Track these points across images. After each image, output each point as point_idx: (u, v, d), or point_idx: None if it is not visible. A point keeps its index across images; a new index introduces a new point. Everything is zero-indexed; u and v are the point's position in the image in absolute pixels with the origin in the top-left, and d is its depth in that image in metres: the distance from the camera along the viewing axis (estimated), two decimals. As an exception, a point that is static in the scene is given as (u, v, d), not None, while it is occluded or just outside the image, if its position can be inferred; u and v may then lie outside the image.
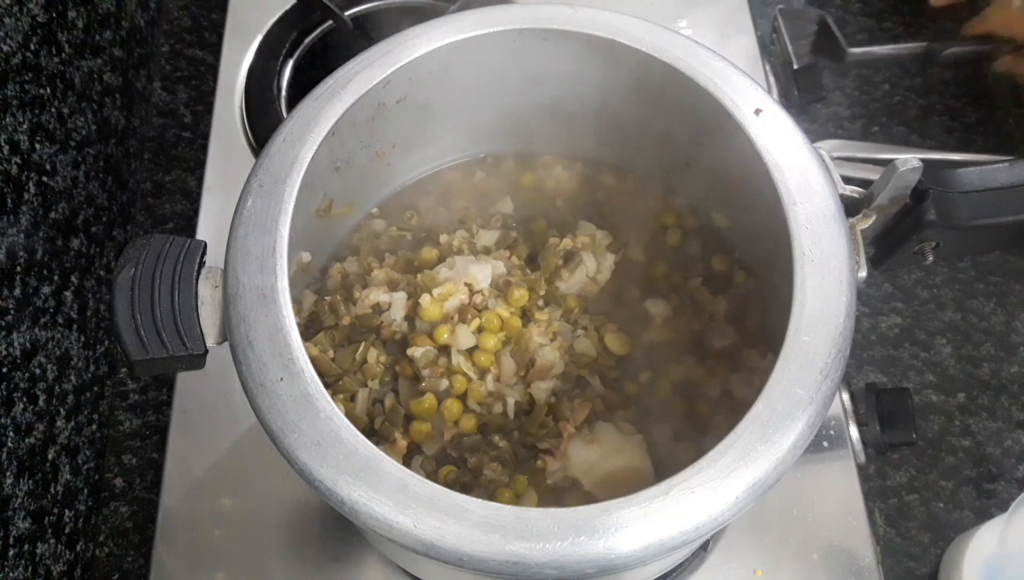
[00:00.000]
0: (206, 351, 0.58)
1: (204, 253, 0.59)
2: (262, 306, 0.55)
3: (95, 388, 0.87)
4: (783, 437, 0.51)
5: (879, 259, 0.64)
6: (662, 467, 0.65)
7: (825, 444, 0.81)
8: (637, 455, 0.64)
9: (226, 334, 0.57)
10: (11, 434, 0.73)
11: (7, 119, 0.76)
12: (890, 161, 0.59)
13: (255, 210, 0.59)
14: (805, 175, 0.60)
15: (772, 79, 1.01)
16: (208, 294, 0.58)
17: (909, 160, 0.58)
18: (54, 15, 0.86)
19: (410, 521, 0.50)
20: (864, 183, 0.63)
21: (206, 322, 0.57)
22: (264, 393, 0.53)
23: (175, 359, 0.57)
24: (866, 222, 0.61)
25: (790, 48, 1.00)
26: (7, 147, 0.75)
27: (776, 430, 0.51)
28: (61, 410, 0.80)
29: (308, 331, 0.70)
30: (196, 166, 0.98)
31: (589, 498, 0.62)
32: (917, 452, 0.87)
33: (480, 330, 0.68)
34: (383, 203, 0.76)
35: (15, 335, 0.74)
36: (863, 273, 0.60)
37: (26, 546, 0.74)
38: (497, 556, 0.49)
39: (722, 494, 0.50)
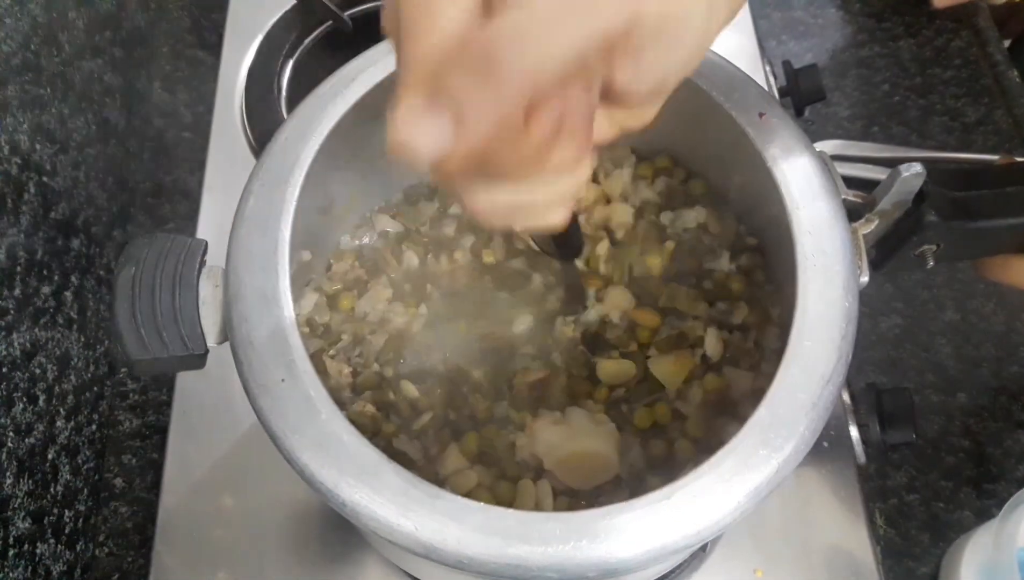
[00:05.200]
0: (207, 351, 0.57)
1: (205, 252, 0.59)
2: (263, 306, 0.55)
3: (95, 388, 0.87)
4: (785, 442, 0.51)
5: (880, 262, 0.64)
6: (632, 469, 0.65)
7: (825, 444, 0.81)
8: (603, 443, 0.64)
9: (227, 334, 0.56)
10: (11, 434, 0.73)
11: (8, 119, 0.76)
12: (891, 160, 0.59)
13: (257, 210, 0.59)
14: (808, 180, 0.59)
15: (772, 79, 1.00)
16: (209, 294, 0.58)
17: (913, 166, 0.58)
18: (54, 15, 0.85)
19: (411, 524, 0.50)
20: (865, 183, 0.62)
21: (207, 322, 0.57)
22: (265, 394, 0.53)
23: (176, 359, 0.57)
24: (868, 227, 0.61)
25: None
26: (7, 147, 0.75)
27: (778, 435, 0.51)
28: (61, 410, 0.81)
29: (310, 331, 0.69)
30: (196, 166, 0.98)
31: (550, 477, 0.63)
32: (917, 452, 0.87)
33: None
34: (385, 202, 0.76)
35: (15, 335, 0.74)
36: (865, 278, 0.59)
37: (26, 546, 0.74)
38: (498, 559, 0.49)
39: (723, 499, 0.50)
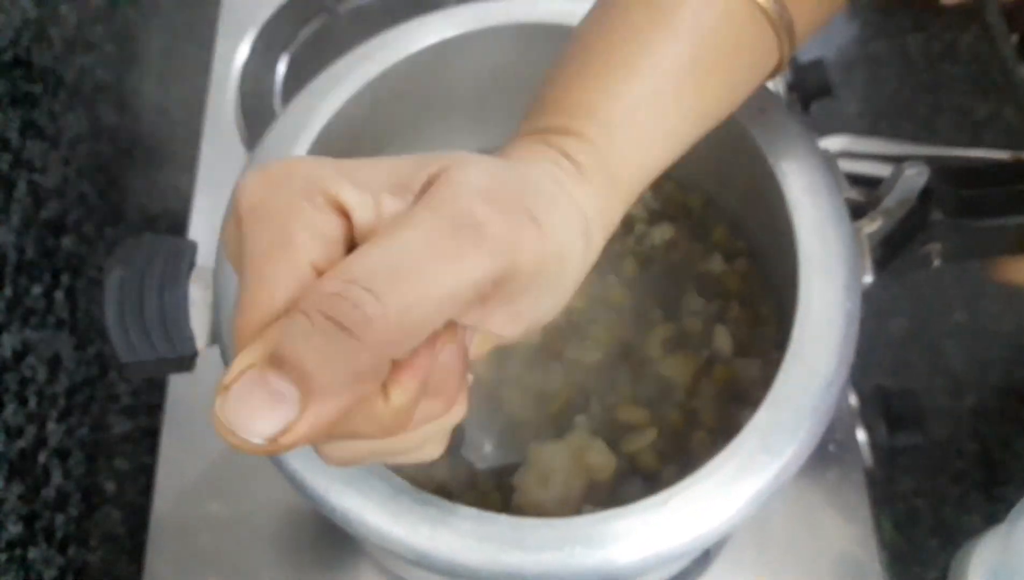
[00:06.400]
0: (196, 353, 0.56)
1: (195, 253, 0.58)
2: (253, 309, 0.54)
3: (86, 390, 0.86)
4: (785, 446, 0.50)
5: (884, 261, 0.63)
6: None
7: (831, 448, 0.80)
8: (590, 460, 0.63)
9: (217, 337, 0.56)
10: (2, 436, 0.72)
11: (-2, 116, 0.75)
12: (899, 157, 0.58)
13: (247, 208, 0.58)
14: (811, 178, 0.58)
15: (777, 75, 1.00)
16: (199, 295, 0.57)
17: (915, 164, 0.57)
18: (46, 10, 0.85)
19: (403, 530, 0.49)
20: (872, 180, 0.61)
21: (196, 324, 0.56)
22: (255, 399, 0.52)
23: (164, 361, 0.56)
24: (872, 226, 0.60)
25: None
26: (-2, 144, 0.75)
27: (778, 439, 0.50)
28: (52, 412, 0.80)
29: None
30: (189, 164, 0.97)
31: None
32: (925, 456, 0.86)
33: None
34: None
35: (5, 336, 0.74)
36: (869, 278, 0.58)
37: (17, 550, 0.73)
38: (492, 567, 0.48)
39: (722, 504, 0.49)
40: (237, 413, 0.30)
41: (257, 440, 0.30)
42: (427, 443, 0.40)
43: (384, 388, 0.34)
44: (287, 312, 0.32)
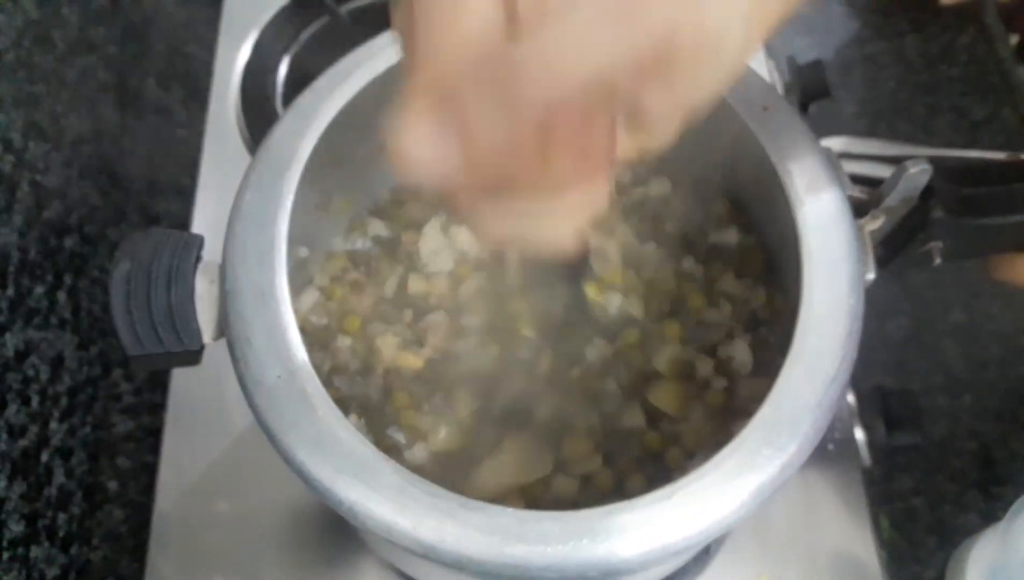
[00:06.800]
0: (202, 347, 0.56)
1: (201, 247, 0.58)
2: (260, 302, 0.54)
3: (88, 390, 0.86)
4: (788, 442, 0.50)
5: (886, 259, 0.63)
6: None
7: (830, 447, 0.80)
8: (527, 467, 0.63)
9: (223, 330, 0.56)
10: (4, 436, 0.72)
11: (0, 117, 0.75)
12: (897, 158, 0.58)
13: (253, 204, 0.58)
14: (813, 175, 0.59)
15: (776, 75, 1.00)
16: (205, 289, 0.57)
17: (919, 162, 0.57)
18: (48, 12, 0.85)
19: (409, 522, 0.49)
20: (871, 181, 0.62)
21: (203, 317, 0.56)
22: (262, 391, 0.52)
23: (171, 355, 0.56)
24: (874, 224, 0.60)
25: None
26: (0, 145, 0.75)
27: (781, 435, 0.51)
28: (54, 412, 0.80)
29: (307, 329, 0.69)
30: (191, 164, 0.97)
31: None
32: (923, 455, 0.86)
33: None
34: (383, 197, 0.75)
35: (8, 336, 0.74)
36: (871, 275, 0.59)
37: (20, 549, 0.73)
38: (497, 559, 0.48)
39: (726, 498, 0.49)
40: (406, 137, 0.35)
41: (418, 164, 0.36)
42: (569, 227, 0.42)
43: (540, 146, 0.36)
44: (456, 65, 0.35)
